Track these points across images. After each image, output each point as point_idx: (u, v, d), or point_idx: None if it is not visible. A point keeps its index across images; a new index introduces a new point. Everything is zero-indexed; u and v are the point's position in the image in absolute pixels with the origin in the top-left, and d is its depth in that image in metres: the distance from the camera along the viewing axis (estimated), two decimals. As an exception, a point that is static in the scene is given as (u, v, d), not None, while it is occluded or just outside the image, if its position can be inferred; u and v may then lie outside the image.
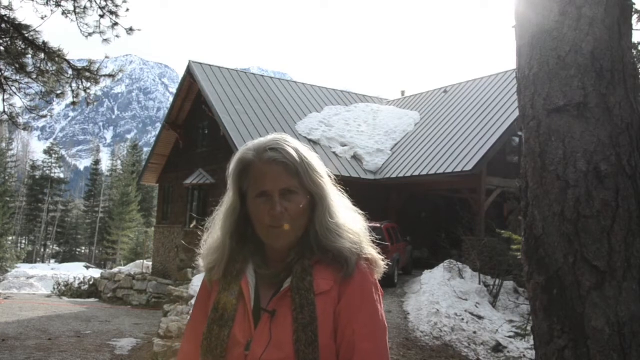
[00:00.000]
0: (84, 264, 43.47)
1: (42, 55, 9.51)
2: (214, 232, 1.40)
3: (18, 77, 9.72)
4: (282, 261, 1.31)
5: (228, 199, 1.38)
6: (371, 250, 1.33)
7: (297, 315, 1.21)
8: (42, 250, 58.51)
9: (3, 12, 9.09)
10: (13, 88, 9.76)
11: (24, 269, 31.91)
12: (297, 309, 1.21)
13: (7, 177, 51.16)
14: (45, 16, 9.41)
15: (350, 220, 1.34)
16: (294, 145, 1.33)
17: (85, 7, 9.70)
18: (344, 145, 18.04)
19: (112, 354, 9.57)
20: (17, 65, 9.43)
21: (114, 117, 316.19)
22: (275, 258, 1.33)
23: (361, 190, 13.76)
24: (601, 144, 1.75)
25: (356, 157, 17.80)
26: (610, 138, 1.75)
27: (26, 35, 9.25)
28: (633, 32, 2.06)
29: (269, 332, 1.22)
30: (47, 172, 57.90)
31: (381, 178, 16.85)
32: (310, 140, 17.74)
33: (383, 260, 1.35)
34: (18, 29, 9.15)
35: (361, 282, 1.27)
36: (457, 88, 20.00)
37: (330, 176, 1.37)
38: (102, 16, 9.77)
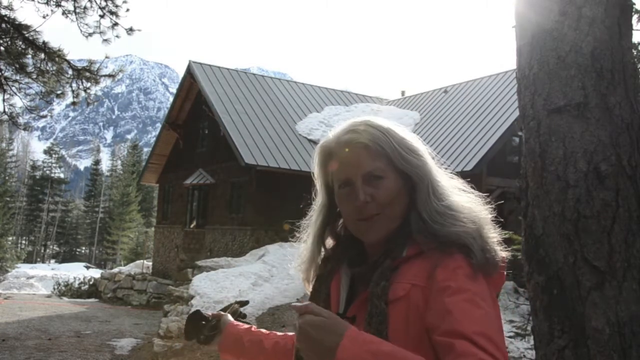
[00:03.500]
0: (84, 264, 43.45)
1: (42, 55, 9.51)
2: (307, 239, 1.27)
3: (18, 77, 9.73)
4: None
5: (317, 196, 1.25)
6: (491, 242, 1.07)
7: (365, 326, 1.02)
8: (42, 250, 58.51)
9: (3, 12, 9.09)
10: (13, 88, 9.77)
11: (24, 269, 31.90)
12: (367, 318, 1.03)
13: (7, 177, 51.12)
14: (46, 16, 9.42)
15: (465, 202, 1.13)
16: (378, 124, 1.15)
17: (85, 7, 9.71)
18: (344, 145, 18.03)
19: (112, 354, 9.57)
20: (17, 65, 9.43)
21: (114, 117, 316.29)
22: (373, 253, 1.15)
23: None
24: (601, 144, 1.75)
25: (356, 157, 17.79)
26: (610, 138, 1.75)
27: (26, 35, 9.25)
28: (633, 32, 2.06)
29: None
30: (47, 172, 57.90)
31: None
32: (310, 140, 17.74)
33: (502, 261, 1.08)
34: (18, 29, 9.16)
35: (451, 275, 0.99)
36: (457, 88, 19.99)
37: (432, 155, 1.20)
38: (102, 16, 9.78)
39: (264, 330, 1.39)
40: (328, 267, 1.21)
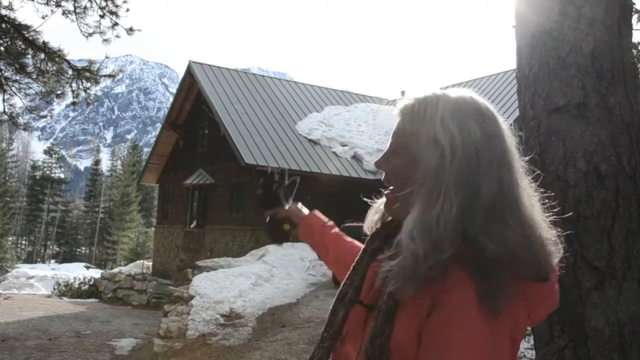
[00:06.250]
0: (84, 264, 43.45)
1: (42, 55, 9.52)
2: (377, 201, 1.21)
3: (18, 77, 9.73)
4: None
5: None
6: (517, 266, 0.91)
7: (374, 320, 0.95)
8: (42, 250, 58.52)
9: (3, 12, 9.09)
10: (13, 88, 9.77)
11: (24, 269, 31.89)
12: (376, 312, 0.95)
13: (7, 177, 51.15)
14: (46, 16, 9.42)
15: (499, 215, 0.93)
16: (434, 103, 1.01)
17: (85, 7, 9.71)
18: (344, 145, 18.05)
19: (112, 354, 9.56)
20: (17, 65, 9.43)
21: (114, 117, 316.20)
22: None
23: (361, 190, 13.77)
24: (601, 144, 1.75)
25: (356, 157, 17.81)
26: (610, 138, 1.75)
27: (26, 35, 9.26)
28: (633, 32, 2.05)
29: (362, 329, 0.99)
30: (47, 172, 57.94)
31: (381, 178, 16.83)
32: (310, 140, 17.75)
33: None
34: (18, 29, 9.16)
35: (458, 301, 0.87)
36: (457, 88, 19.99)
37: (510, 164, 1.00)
38: (102, 16, 9.78)
39: (334, 231, 1.50)
40: (374, 244, 1.11)
